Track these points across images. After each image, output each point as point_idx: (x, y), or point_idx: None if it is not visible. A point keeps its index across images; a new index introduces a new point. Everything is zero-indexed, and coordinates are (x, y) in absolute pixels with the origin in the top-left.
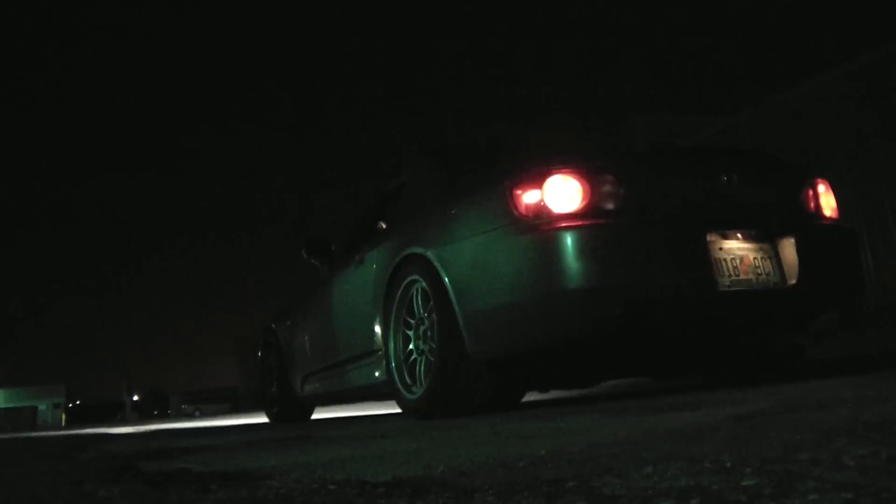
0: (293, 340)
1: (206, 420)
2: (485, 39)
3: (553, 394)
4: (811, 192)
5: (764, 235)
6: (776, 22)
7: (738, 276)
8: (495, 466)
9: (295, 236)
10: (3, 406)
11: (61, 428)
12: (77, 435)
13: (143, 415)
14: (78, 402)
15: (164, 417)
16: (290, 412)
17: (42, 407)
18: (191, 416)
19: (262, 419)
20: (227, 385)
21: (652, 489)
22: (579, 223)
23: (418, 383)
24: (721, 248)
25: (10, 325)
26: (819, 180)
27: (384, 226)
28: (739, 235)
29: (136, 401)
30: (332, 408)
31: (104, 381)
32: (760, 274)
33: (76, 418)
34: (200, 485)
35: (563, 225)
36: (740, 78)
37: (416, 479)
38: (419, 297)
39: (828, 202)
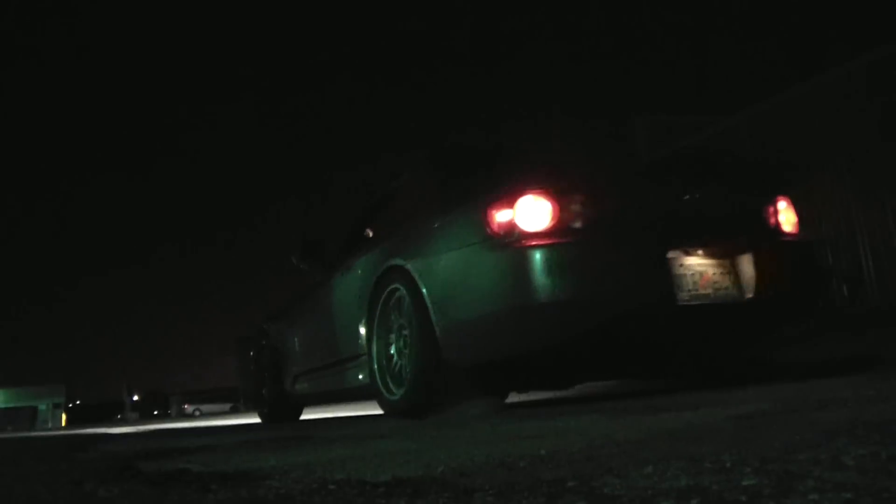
0: (285, 342)
1: (205, 420)
2: (484, 39)
3: (553, 394)
4: (773, 209)
5: (723, 252)
6: (776, 22)
7: (697, 290)
8: (495, 466)
9: (294, 237)
10: (3, 406)
11: (61, 428)
12: (77, 435)
13: (143, 415)
14: (78, 402)
15: (164, 417)
16: (282, 412)
17: (42, 407)
18: (191, 416)
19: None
20: (227, 385)
21: (652, 489)
22: (548, 241)
23: (399, 386)
24: (682, 265)
25: (10, 325)
26: (780, 197)
27: (371, 233)
28: (700, 252)
29: (136, 401)
30: (324, 409)
31: (104, 381)
32: (719, 288)
33: (76, 418)
34: (200, 485)
35: (533, 243)
36: (740, 78)
37: (416, 479)
38: (401, 306)
39: (788, 218)
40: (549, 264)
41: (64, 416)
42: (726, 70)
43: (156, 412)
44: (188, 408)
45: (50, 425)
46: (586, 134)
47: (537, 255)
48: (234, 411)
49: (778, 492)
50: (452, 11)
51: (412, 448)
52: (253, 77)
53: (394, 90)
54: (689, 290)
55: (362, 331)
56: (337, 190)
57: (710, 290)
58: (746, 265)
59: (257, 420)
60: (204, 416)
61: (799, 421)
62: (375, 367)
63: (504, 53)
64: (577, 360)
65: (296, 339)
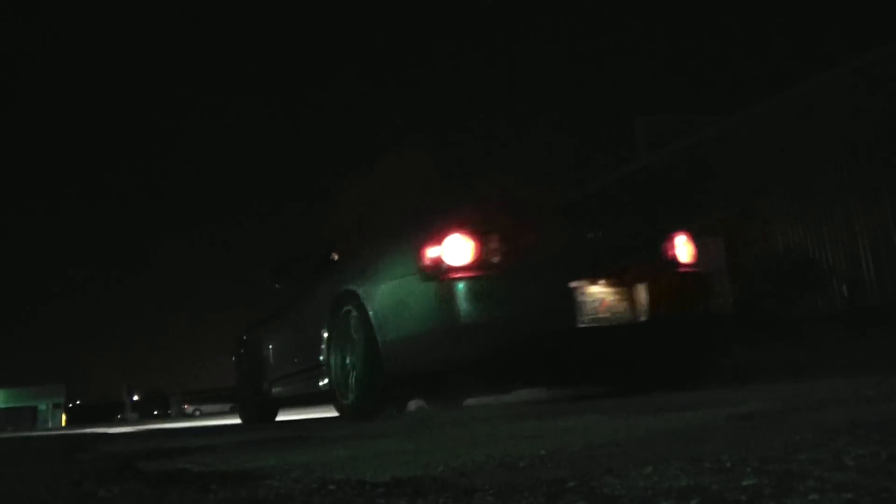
0: (262, 350)
1: (205, 420)
2: (482, 40)
3: (553, 394)
4: (671, 244)
5: (622, 281)
6: (776, 22)
7: (596, 314)
8: (495, 466)
9: (293, 238)
10: (3, 406)
11: (61, 428)
12: (77, 435)
13: (143, 415)
14: (78, 402)
15: (164, 417)
16: (261, 413)
17: (42, 407)
18: (191, 416)
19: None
20: (227, 385)
21: (652, 489)
22: (469, 274)
23: (351, 392)
24: (584, 293)
25: (10, 326)
26: (678, 233)
27: (336, 257)
28: (602, 281)
29: (136, 401)
30: (297, 411)
31: (104, 381)
32: (616, 312)
33: (76, 418)
34: (200, 485)
35: (457, 276)
36: (740, 78)
37: (416, 479)
38: (353, 324)
39: (686, 251)
40: (470, 293)
41: (64, 416)
42: (726, 70)
43: (156, 412)
44: (188, 408)
45: (50, 425)
46: (514, 173)
47: (460, 286)
48: (234, 411)
49: (778, 492)
50: (452, 12)
51: (412, 448)
52: (255, 76)
53: (390, 89)
54: (589, 314)
55: (323, 344)
56: (335, 190)
57: (608, 314)
58: (642, 292)
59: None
60: (204, 416)
61: (799, 421)
62: (333, 375)
63: (503, 54)
64: (495, 371)
65: (271, 348)
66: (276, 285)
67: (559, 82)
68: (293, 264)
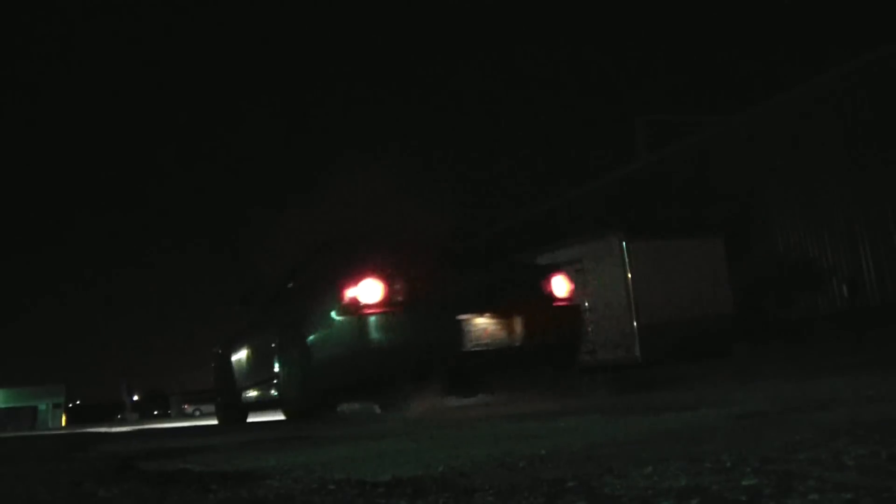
0: (232, 364)
1: (205, 420)
2: (481, 39)
3: (554, 395)
4: (548, 282)
5: (503, 314)
6: (776, 22)
7: (479, 341)
8: (495, 466)
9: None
10: (3, 406)
11: (61, 428)
12: (77, 435)
13: (143, 415)
14: (78, 402)
15: (164, 417)
16: (235, 416)
17: (42, 407)
18: (191, 416)
19: (261, 419)
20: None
21: (652, 489)
22: (379, 311)
23: (294, 399)
24: (471, 323)
25: (10, 326)
26: (555, 274)
27: (291, 285)
28: (486, 315)
29: (136, 401)
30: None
31: (104, 381)
32: (496, 339)
33: (76, 418)
34: (200, 485)
35: (369, 311)
36: (740, 78)
37: (416, 479)
38: (295, 345)
39: (561, 288)
40: (379, 325)
41: (64, 416)
42: (726, 70)
43: (156, 412)
44: (188, 408)
45: (50, 425)
46: (425, 222)
47: (372, 319)
48: None
49: (778, 492)
50: (452, 13)
51: (412, 448)
52: (255, 73)
53: (386, 91)
54: (473, 341)
55: (275, 361)
56: (336, 192)
57: (489, 340)
58: (518, 323)
59: (257, 420)
60: (204, 415)
61: (799, 421)
62: (281, 386)
63: (502, 53)
64: (399, 384)
65: (239, 362)
66: (242, 312)
67: (557, 82)
68: (255, 294)
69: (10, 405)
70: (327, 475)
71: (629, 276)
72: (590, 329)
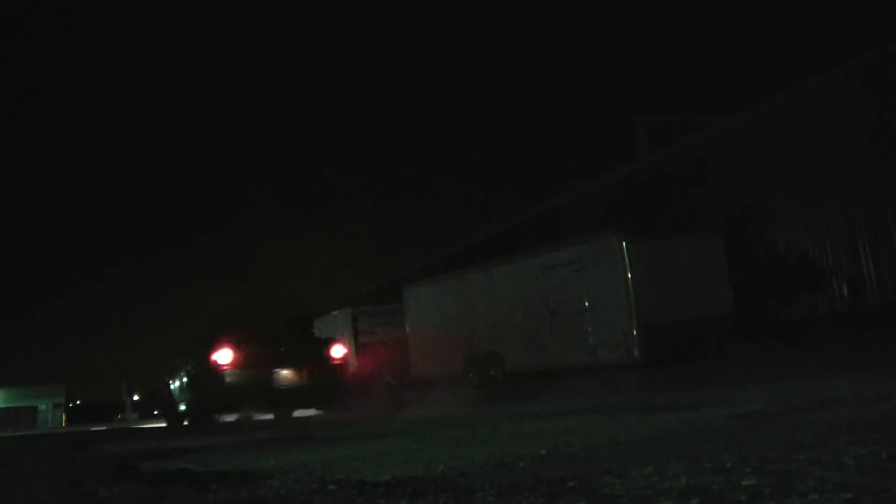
0: (172, 388)
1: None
2: (479, 40)
3: (553, 394)
4: (329, 349)
5: (298, 366)
6: (776, 21)
7: (284, 382)
8: (495, 466)
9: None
10: (3, 406)
11: (61, 428)
12: (77, 435)
13: (143, 415)
14: (78, 402)
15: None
16: (174, 419)
17: (42, 407)
18: None
19: (261, 419)
20: None
21: (652, 489)
22: (229, 367)
23: (192, 412)
24: (280, 372)
25: (10, 326)
26: (335, 342)
27: (195, 346)
28: (288, 368)
29: (136, 401)
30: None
31: (104, 381)
32: (293, 381)
33: (76, 418)
34: (200, 485)
35: (224, 367)
36: (740, 78)
37: (416, 479)
38: (188, 381)
39: (336, 352)
40: (229, 375)
41: (64, 416)
42: (726, 70)
43: (156, 412)
44: None
45: (50, 425)
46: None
47: (226, 371)
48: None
49: (778, 492)
50: (453, 15)
51: (412, 448)
52: (257, 73)
53: (383, 93)
54: (280, 382)
55: (186, 389)
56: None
57: (289, 382)
58: (307, 371)
59: (257, 419)
60: None
61: (799, 421)
62: (187, 404)
63: (501, 52)
64: (240, 406)
65: (174, 388)
66: (175, 357)
67: (558, 81)
68: (180, 344)
69: (10, 405)
70: (327, 475)
71: (629, 276)
72: (590, 329)
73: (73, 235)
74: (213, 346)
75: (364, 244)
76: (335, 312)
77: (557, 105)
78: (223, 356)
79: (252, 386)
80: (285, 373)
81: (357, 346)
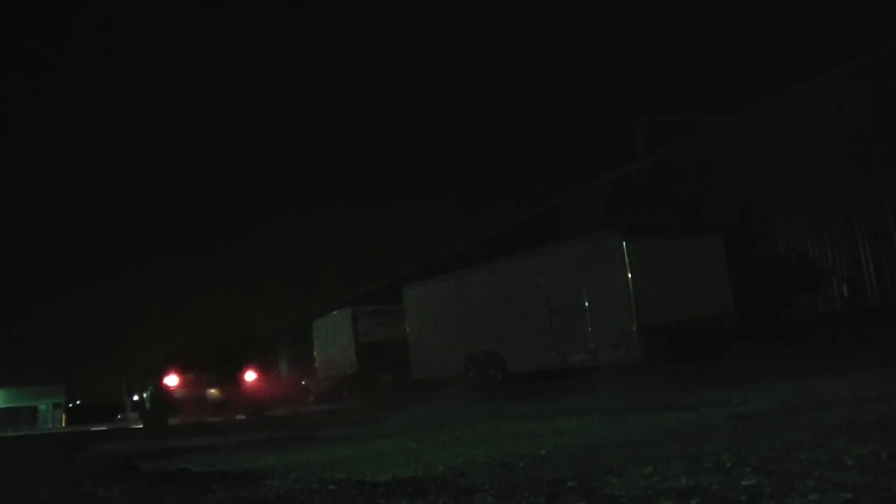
0: (144, 397)
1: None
2: (478, 40)
3: (554, 395)
4: (242, 372)
5: (222, 388)
6: (776, 21)
7: (211, 398)
8: (495, 466)
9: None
10: (3, 406)
11: (61, 428)
12: (77, 435)
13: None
14: (78, 402)
15: None
16: (148, 420)
17: (42, 407)
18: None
19: (255, 420)
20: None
21: (652, 489)
22: (175, 388)
23: (150, 417)
24: (210, 392)
25: (10, 326)
26: (247, 368)
27: (153, 367)
28: (215, 388)
29: (137, 401)
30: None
31: (104, 381)
32: (219, 396)
33: (76, 418)
34: (200, 485)
35: (171, 390)
36: (740, 78)
37: (416, 479)
38: (151, 396)
39: (249, 377)
40: (175, 392)
41: (64, 416)
42: (726, 70)
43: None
44: None
45: (50, 425)
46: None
47: (174, 391)
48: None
49: (778, 492)
50: (453, 15)
51: (412, 448)
52: (261, 72)
53: (381, 97)
54: (210, 397)
55: (148, 399)
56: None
57: (217, 398)
58: (226, 391)
59: (257, 418)
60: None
61: (799, 421)
62: (150, 408)
63: (501, 52)
64: (188, 412)
65: (143, 397)
66: (143, 375)
67: (557, 82)
68: (147, 369)
69: (10, 405)
70: (328, 475)
71: (629, 276)
72: (590, 329)
73: (73, 236)
74: (165, 373)
75: (363, 244)
76: (335, 312)
77: (557, 105)
78: (171, 381)
79: (190, 400)
80: (212, 391)
81: (357, 346)
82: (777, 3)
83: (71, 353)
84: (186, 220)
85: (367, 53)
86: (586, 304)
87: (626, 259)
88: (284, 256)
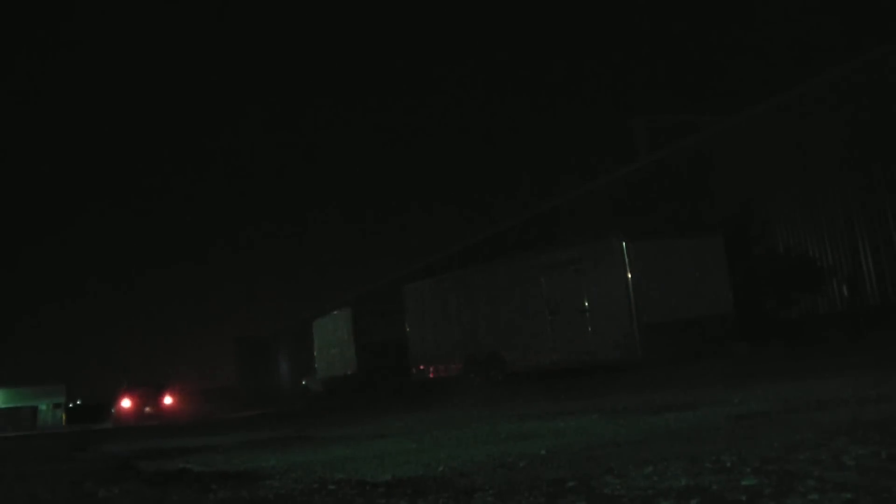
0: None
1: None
2: (477, 41)
3: (554, 395)
4: (163, 395)
5: (154, 406)
6: (776, 21)
7: (152, 409)
8: (495, 466)
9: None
10: (3, 406)
11: (61, 428)
12: (77, 435)
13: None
14: (78, 402)
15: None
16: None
17: (42, 407)
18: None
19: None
20: (227, 385)
21: (652, 489)
22: (129, 410)
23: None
24: (149, 407)
25: (10, 325)
26: (167, 394)
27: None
28: (150, 404)
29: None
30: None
31: (104, 381)
32: (154, 413)
33: (76, 418)
34: (200, 485)
35: (126, 409)
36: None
37: (416, 479)
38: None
39: (168, 400)
40: (127, 409)
41: (64, 416)
42: (726, 70)
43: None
44: None
45: (50, 425)
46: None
47: (126, 409)
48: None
49: (778, 492)
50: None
51: (412, 448)
52: (265, 70)
53: (379, 102)
54: (149, 409)
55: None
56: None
57: (152, 410)
58: (155, 409)
59: (256, 418)
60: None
61: (799, 421)
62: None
63: (500, 52)
64: (135, 418)
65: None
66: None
67: (557, 81)
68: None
69: (10, 405)
70: (328, 475)
71: (629, 276)
72: (590, 330)
73: (74, 236)
74: (122, 396)
75: (363, 245)
76: (335, 312)
77: (557, 105)
78: (125, 402)
79: (140, 414)
80: (147, 409)
81: (357, 346)
82: (777, 3)
83: (71, 353)
84: (186, 221)
85: (367, 54)
86: (586, 304)
87: (626, 259)
88: (284, 258)
